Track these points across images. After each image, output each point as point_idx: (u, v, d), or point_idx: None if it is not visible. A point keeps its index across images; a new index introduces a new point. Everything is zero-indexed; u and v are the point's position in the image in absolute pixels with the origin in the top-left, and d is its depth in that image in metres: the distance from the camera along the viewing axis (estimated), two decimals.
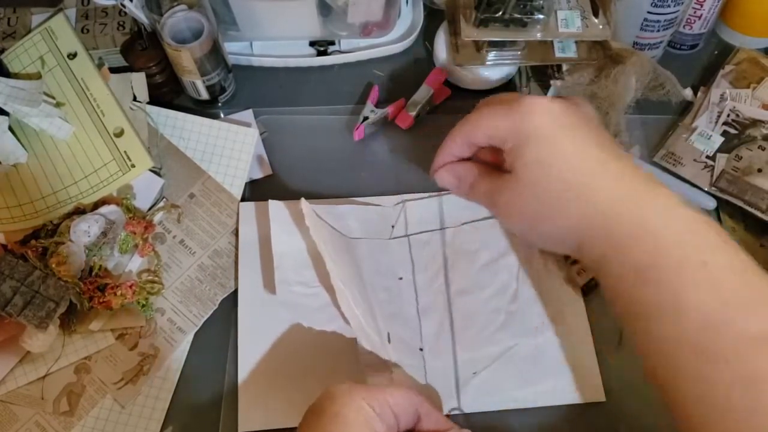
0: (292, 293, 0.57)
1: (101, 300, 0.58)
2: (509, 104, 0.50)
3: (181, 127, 0.68)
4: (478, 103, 0.54)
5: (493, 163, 0.55)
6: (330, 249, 0.57)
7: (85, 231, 0.60)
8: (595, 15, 0.68)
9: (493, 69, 0.71)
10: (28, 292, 0.56)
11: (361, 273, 0.60)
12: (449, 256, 0.62)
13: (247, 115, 0.71)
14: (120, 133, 0.65)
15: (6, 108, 0.65)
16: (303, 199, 0.60)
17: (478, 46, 0.70)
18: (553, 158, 0.48)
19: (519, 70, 0.74)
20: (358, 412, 0.43)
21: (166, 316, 0.61)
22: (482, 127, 0.51)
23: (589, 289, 0.60)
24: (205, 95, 0.70)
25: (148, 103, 0.68)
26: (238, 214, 0.65)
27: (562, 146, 0.48)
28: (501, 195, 0.51)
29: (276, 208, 0.62)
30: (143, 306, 0.60)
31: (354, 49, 0.75)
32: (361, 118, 0.69)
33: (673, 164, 0.67)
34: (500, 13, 0.65)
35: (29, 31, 0.71)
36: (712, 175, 0.65)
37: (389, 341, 0.57)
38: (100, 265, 0.60)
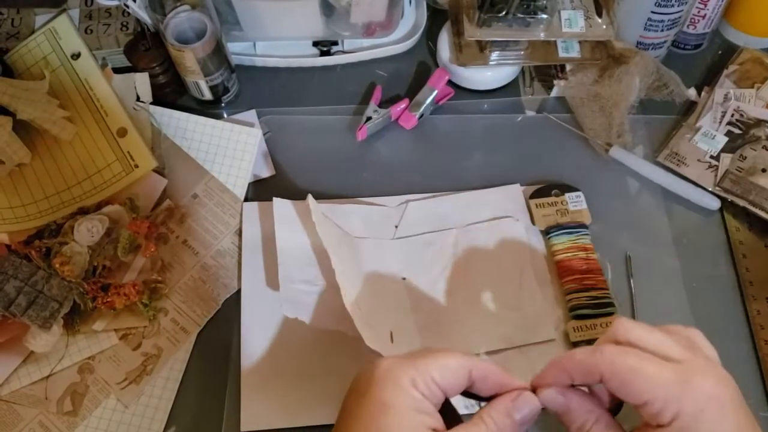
0: (295, 291, 0.58)
1: (105, 300, 0.58)
2: (679, 369, 0.37)
3: (185, 128, 0.68)
4: (618, 325, 0.39)
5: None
6: (335, 247, 0.57)
7: (88, 231, 0.60)
8: (599, 15, 0.68)
9: (497, 69, 0.71)
10: (31, 292, 0.57)
11: (364, 272, 0.60)
12: (452, 257, 0.62)
13: (251, 115, 0.71)
14: (123, 134, 0.65)
15: (10, 108, 0.65)
16: (310, 196, 0.60)
17: (482, 46, 0.70)
18: None
19: (522, 70, 0.74)
20: (406, 397, 0.38)
21: (169, 316, 0.61)
22: (635, 382, 0.37)
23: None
24: (208, 95, 0.70)
25: (152, 103, 0.68)
26: (241, 214, 0.65)
27: None
28: None
29: (280, 205, 0.62)
30: (146, 306, 0.60)
31: (357, 50, 0.75)
32: (364, 119, 0.69)
33: (677, 164, 0.66)
34: (503, 13, 0.65)
35: (33, 32, 0.71)
36: (716, 176, 0.65)
37: (392, 341, 0.57)
38: (104, 265, 0.60)
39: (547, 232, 0.63)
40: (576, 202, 0.64)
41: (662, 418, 0.36)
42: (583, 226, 0.63)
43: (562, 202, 0.64)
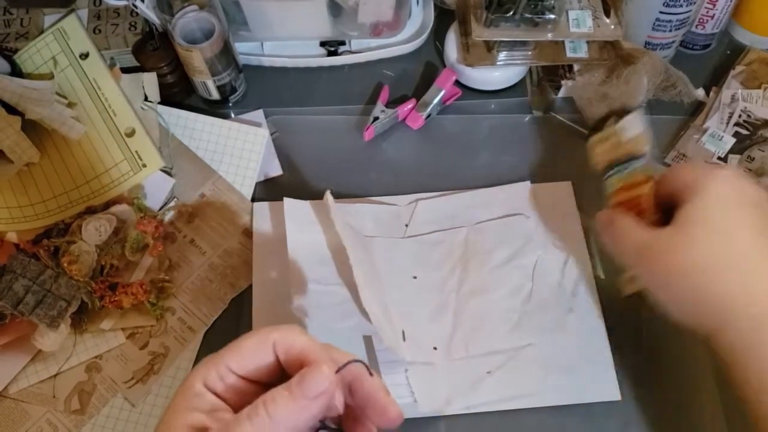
0: (306, 291, 0.58)
1: (112, 299, 0.59)
2: (703, 167, 0.49)
3: (192, 127, 0.68)
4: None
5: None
6: (351, 245, 0.57)
7: (96, 230, 0.60)
8: (607, 15, 0.68)
9: (504, 69, 0.70)
10: (39, 291, 0.57)
11: (376, 271, 0.60)
12: (463, 255, 0.62)
13: (258, 115, 0.71)
14: (131, 133, 0.66)
15: (18, 108, 0.65)
16: (328, 193, 0.59)
17: (489, 46, 0.70)
18: (724, 225, 0.46)
19: (530, 70, 0.73)
20: (184, 396, 0.35)
21: (176, 316, 0.61)
22: (670, 174, 0.50)
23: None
24: (215, 95, 0.70)
25: (159, 103, 0.69)
26: (251, 213, 0.65)
27: (738, 218, 0.46)
28: (651, 247, 0.48)
29: (291, 205, 0.62)
30: (154, 305, 0.60)
31: (364, 50, 0.75)
32: (372, 119, 0.69)
33: None
34: (511, 13, 0.65)
35: (42, 32, 0.72)
36: None
37: (404, 339, 0.57)
38: (111, 264, 0.61)
39: (603, 174, 0.57)
40: (630, 128, 0.56)
41: (678, 198, 0.48)
42: (636, 157, 0.55)
43: (616, 132, 0.56)
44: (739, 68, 0.71)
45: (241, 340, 0.36)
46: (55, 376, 0.59)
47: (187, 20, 0.65)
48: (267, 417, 0.33)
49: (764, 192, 0.48)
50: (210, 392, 0.35)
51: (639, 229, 0.49)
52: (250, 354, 0.36)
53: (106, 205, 0.63)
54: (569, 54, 0.69)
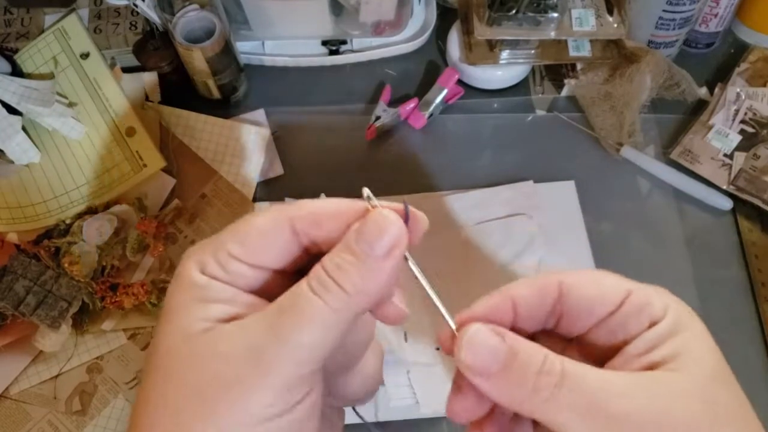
0: None
1: (113, 300, 0.58)
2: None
3: (193, 127, 0.68)
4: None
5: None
6: None
7: (97, 231, 0.60)
8: (610, 13, 0.67)
9: (507, 68, 0.70)
10: (40, 291, 0.57)
11: None
12: (465, 256, 0.62)
13: (259, 114, 0.71)
14: (132, 133, 0.65)
15: (19, 108, 0.65)
16: (323, 195, 0.59)
17: (492, 44, 0.69)
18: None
19: (532, 69, 0.73)
20: (186, 287, 0.28)
21: None
22: (608, 278, 0.30)
23: None
24: (216, 95, 0.70)
25: (160, 102, 0.68)
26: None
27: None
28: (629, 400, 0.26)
29: None
30: (155, 306, 0.60)
31: (366, 49, 0.74)
32: (374, 118, 0.68)
33: (690, 162, 0.66)
34: (514, 11, 0.65)
35: (42, 32, 0.71)
36: (729, 174, 0.64)
37: (406, 341, 0.57)
38: (112, 265, 0.60)
39: None
40: None
41: (655, 310, 0.29)
42: None
43: None
44: (743, 66, 0.70)
45: (247, 221, 0.29)
46: (56, 377, 0.58)
47: (188, 19, 0.65)
48: (341, 291, 0.26)
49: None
50: (216, 281, 0.28)
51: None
52: (259, 236, 0.28)
53: (107, 206, 0.63)
54: (572, 53, 0.69)
